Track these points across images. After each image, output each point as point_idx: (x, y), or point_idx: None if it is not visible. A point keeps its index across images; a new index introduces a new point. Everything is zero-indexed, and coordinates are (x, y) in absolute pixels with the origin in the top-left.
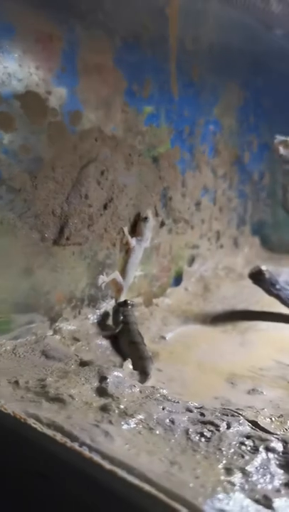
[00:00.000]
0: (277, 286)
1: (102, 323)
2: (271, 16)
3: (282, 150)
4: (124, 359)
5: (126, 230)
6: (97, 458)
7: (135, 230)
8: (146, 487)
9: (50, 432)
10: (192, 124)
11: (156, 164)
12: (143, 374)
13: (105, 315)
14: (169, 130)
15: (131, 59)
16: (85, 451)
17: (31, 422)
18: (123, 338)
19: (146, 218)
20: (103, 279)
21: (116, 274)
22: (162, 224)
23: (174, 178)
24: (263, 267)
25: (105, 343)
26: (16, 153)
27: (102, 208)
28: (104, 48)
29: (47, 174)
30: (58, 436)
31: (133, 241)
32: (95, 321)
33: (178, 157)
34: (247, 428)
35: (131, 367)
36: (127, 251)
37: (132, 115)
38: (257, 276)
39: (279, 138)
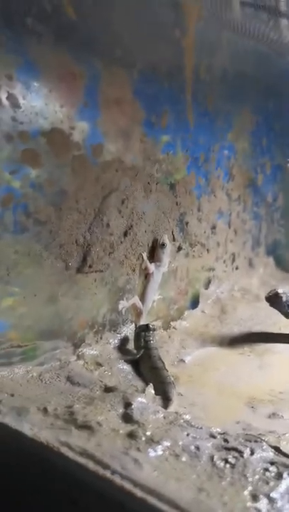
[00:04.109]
0: None
1: (122, 347)
2: (283, 45)
3: None
4: (146, 384)
5: (145, 255)
6: (128, 486)
7: (153, 255)
8: None
9: (82, 460)
10: (207, 150)
11: (173, 191)
12: (165, 399)
13: (126, 339)
14: (185, 157)
15: (149, 91)
16: (117, 479)
17: (64, 450)
18: (144, 363)
19: (163, 245)
20: (123, 304)
21: (136, 299)
22: (179, 248)
23: (190, 204)
24: (280, 290)
25: (127, 367)
26: (42, 187)
27: (122, 236)
28: (124, 82)
29: (71, 205)
30: (90, 464)
31: (152, 266)
32: (116, 345)
33: (194, 183)
34: (270, 454)
35: (153, 392)
36: (146, 276)
37: (150, 145)
38: (274, 300)
39: None
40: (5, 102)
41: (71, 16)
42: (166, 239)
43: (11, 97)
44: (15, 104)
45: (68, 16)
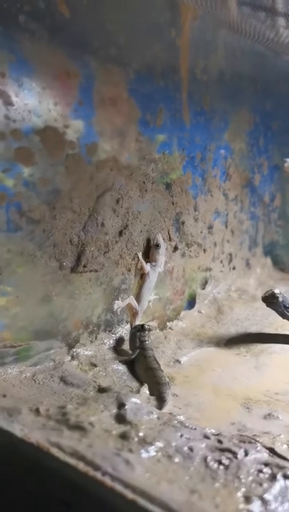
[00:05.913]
0: None
1: (117, 348)
2: (279, 44)
3: None
4: (141, 385)
5: (140, 255)
6: (119, 487)
7: (149, 255)
8: None
9: (72, 461)
10: (204, 149)
11: (169, 190)
12: (160, 400)
13: (121, 340)
14: (181, 157)
15: (144, 90)
16: (108, 480)
17: (54, 451)
18: (139, 364)
19: (157, 245)
20: (118, 304)
21: (131, 299)
22: (176, 248)
23: (187, 203)
24: (276, 291)
25: (122, 368)
26: (36, 185)
27: (117, 235)
28: (119, 81)
29: (65, 204)
30: (81, 465)
31: (147, 266)
32: (111, 345)
33: (190, 182)
34: (264, 455)
35: (148, 392)
36: (142, 276)
37: (146, 144)
38: (270, 300)
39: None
40: None
41: (65, 14)
42: (160, 239)
43: (3, 94)
44: (7, 102)
45: (62, 14)
